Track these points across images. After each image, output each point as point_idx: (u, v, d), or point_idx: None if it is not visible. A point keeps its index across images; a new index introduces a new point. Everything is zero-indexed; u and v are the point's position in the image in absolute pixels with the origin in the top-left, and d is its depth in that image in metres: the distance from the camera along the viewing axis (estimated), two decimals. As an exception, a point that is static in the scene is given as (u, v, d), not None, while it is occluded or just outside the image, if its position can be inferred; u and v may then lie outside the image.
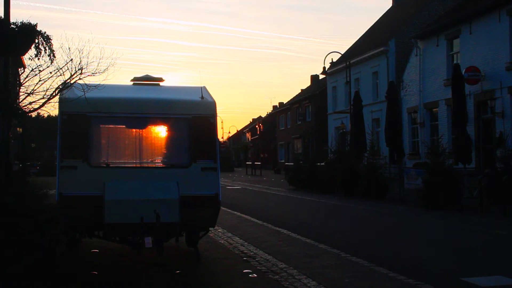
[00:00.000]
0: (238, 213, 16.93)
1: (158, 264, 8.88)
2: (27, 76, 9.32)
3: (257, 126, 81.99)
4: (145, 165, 9.12)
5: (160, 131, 9.48)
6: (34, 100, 9.22)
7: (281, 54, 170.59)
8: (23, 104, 9.42)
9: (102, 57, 8.83)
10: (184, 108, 9.26)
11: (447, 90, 26.58)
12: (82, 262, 9.05)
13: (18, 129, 27.46)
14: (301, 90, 64.57)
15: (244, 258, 9.63)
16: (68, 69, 8.91)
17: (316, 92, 51.90)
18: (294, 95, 63.87)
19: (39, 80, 9.16)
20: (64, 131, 8.66)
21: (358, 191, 22.84)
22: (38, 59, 9.61)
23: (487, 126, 25.16)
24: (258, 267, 8.85)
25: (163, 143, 9.50)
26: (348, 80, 33.98)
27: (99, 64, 8.86)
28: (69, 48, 8.79)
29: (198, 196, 8.79)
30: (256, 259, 9.57)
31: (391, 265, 8.82)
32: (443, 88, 28.31)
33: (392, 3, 46.54)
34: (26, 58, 10.03)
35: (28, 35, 9.72)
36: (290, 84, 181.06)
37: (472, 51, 26.14)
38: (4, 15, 10.24)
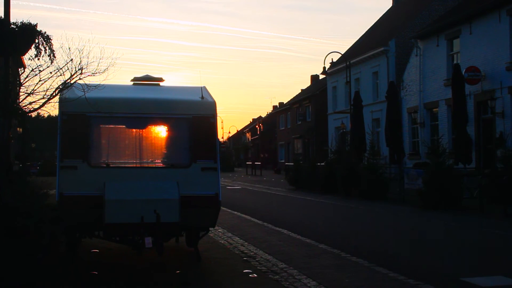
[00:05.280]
0: (238, 213, 16.94)
1: (158, 264, 8.89)
2: (27, 76, 9.31)
3: (257, 126, 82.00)
4: (145, 165, 9.12)
5: (160, 131, 9.48)
6: (34, 100, 9.21)
7: (281, 54, 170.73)
8: (23, 104, 9.42)
9: (102, 57, 8.83)
10: (184, 108, 9.26)
11: (447, 90, 26.60)
12: (82, 262, 9.05)
13: (18, 129, 27.44)
14: (301, 90, 64.59)
15: (244, 258, 9.63)
16: (68, 69, 8.91)
17: (316, 92, 51.92)
18: (294, 95, 63.91)
19: (39, 80, 9.16)
20: (64, 131, 8.66)
21: (358, 191, 22.84)
22: (38, 59, 9.62)
23: (487, 126, 25.17)
24: (258, 267, 8.85)
25: (163, 143, 9.49)
26: (348, 80, 33.99)
27: (99, 64, 8.85)
28: (69, 48, 8.80)
29: (198, 196, 8.79)
30: (256, 259, 9.57)
31: (391, 265, 8.82)
32: (443, 88, 28.33)
33: (392, 3, 46.56)
34: (26, 58, 10.04)
35: (28, 35, 9.72)
36: (290, 84, 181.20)
37: (472, 51, 26.15)
38: (4, 15, 10.24)
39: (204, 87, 9.80)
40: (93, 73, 8.90)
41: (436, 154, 18.57)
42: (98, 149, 9.10)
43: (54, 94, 8.95)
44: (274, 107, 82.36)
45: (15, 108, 9.46)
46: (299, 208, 19.60)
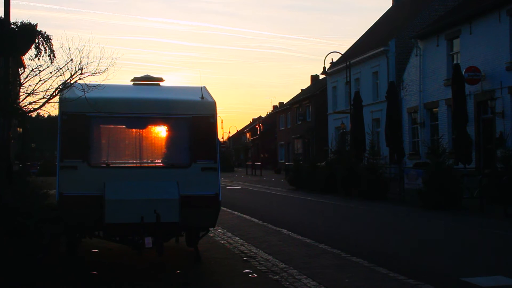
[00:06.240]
0: (238, 213, 16.93)
1: (158, 264, 8.89)
2: (27, 76, 9.31)
3: (257, 126, 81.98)
4: (145, 165, 9.12)
5: (160, 131, 9.48)
6: (34, 100, 9.21)
7: (281, 54, 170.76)
8: (23, 104, 9.42)
9: (102, 57, 8.83)
10: (184, 108, 9.26)
11: (447, 90, 26.60)
12: (82, 262, 9.05)
13: (18, 129, 27.45)
14: (301, 90, 64.59)
15: (244, 258, 9.63)
16: (68, 69, 8.90)
17: (316, 92, 51.92)
18: (294, 95, 63.91)
19: (39, 80, 9.16)
20: (64, 131, 8.66)
21: (358, 191, 22.84)
22: (38, 59, 9.61)
23: (487, 126, 25.17)
24: (258, 267, 8.86)
25: (163, 143, 9.49)
26: (348, 80, 34.00)
27: (99, 64, 8.85)
28: (69, 48, 8.79)
29: (198, 196, 8.79)
30: (256, 259, 9.57)
31: (391, 265, 8.82)
32: (443, 88, 28.33)
33: (392, 3, 46.55)
34: (26, 58, 10.03)
35: (28, 35, 9.72)
36: (290, 84, 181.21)
37: (472, 51, 26.15)
38: (4, 15, 10.25)
39: (204, 87, 9.80)
40: (93, 73, 8.90)
41: (436, 154, 18.57)
42: (98, 149, 9.10)
43: (54, 94, 8.95)
44: (274, 107, 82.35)
45: (15, 108, 9.46)
46: (299, 208, 19.59)
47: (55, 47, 9.74)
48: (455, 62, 27.11)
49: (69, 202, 8.42)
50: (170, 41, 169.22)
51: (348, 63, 34.13)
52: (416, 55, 31.50)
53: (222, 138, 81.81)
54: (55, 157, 13.38)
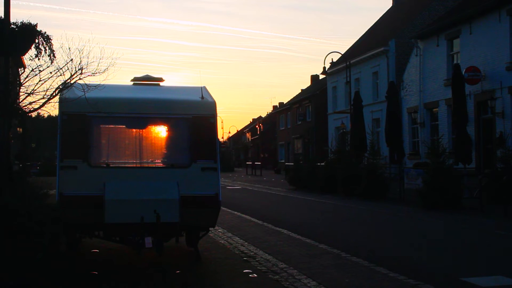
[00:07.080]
0: (238, 213, 16.94)
1: (158, 264, 8.88)
2: (27, 76, 9.31)
3: (257, 126, 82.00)
4: (145, 165, 9.13)
5: (160, 131, 9.49)
6: (34, 100, 9.21)
7: (281, 54, 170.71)
8: (23, 104, 9.41)
9: (102, 57, 8.83)
10: (184, 108, 9.26)
11: (447, 90, 26.58)
12: (82, 262, 9.05)
13: (18, 129, 27.44)
14: (301, 90, 64.59)
15: (244, 258, 9.63)
16: (68, 69, 8.90)
17: (316, 92, 51.92)
18: (294, 95, 63.90)
19: (39, 80, 9.15)
20: (64, 131, 8.67)
21: (358, 191, 22.83)
22: (38, 59, 9.61)
23: (487, 126, 25.17)
24: (258, 267, 8.86)
25: (163, 143, 9.50)
26: (348, 80, 34.00)
27: (99, 64, 8.85)
28: (69, 48, 8.79)
29: (198, 196, 8.79)
30: (256, 259, 9.57)
31: (391, 265, 8.83)
32: (443, 88, 28.32)
33: (392, 3, 46.54)
34: (26, 58, 10.03)
35: (28, 35, 9.71)
36: (290, 84, 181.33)
37: (472, 51, 26.14)
38: (4, 15, 10.23)
39: (204, 87, 9.81)
40: (93, 73, 8.90)
41: (436, 154, 18.57)
42: (98, 149, 9.11)
43: (54, 94, 8.95)
44: (274, 107, 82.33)
45: (15, 108, 9.46)
46: (299, 208, 19.59)
47: (55, 47, 9.74)
48: (455, 62, 27.09)
49: (69, 202, 8.43)
50: (170, 41, 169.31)
51: (348, 63, 34.13)
52: (416, 55, 31.50)
53: (222, 138, 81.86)
54: (55, 157, 13.38)
